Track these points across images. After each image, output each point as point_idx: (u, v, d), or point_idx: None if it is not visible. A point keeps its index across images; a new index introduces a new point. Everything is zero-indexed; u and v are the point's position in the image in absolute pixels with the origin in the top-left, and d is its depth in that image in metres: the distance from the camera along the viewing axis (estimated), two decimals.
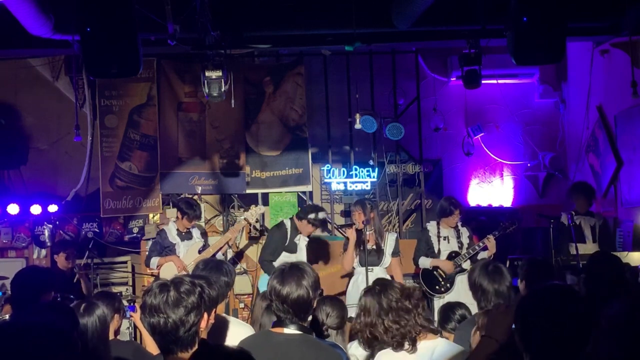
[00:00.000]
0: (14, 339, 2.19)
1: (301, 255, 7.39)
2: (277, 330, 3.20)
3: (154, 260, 7.56)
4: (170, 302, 2.63)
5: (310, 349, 3.13)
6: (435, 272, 7.35)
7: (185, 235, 7.68)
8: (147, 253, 7.88)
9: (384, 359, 3.54)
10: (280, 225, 7.65)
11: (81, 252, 8.31)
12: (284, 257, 7.30)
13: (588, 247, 7.75)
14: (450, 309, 4.99)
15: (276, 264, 7.26)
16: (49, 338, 2.23)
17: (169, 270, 7.30)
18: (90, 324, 3.47)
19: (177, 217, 7.69)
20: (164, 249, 7.60)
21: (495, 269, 4.18)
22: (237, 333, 3.84)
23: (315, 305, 3.25)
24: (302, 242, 7.49)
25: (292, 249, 7.43)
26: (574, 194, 8.30)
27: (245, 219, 7.79)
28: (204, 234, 8.01)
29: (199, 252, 7.53)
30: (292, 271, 3.21)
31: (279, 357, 3.10)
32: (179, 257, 7.50)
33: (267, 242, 7.72)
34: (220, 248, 7.63)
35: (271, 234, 7.75)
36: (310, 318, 3.27)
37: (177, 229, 7.66)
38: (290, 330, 3.16)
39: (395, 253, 7.15)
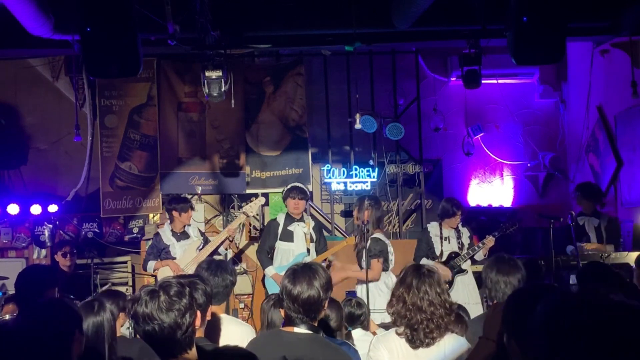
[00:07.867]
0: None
1: (299, 244, 7.18)
2: (288, 329, 3.24)
3: (151, 265, 7.47)
4: (162, 307, 2.61)
5: (319, 349, 3.16)
6: None
7: (181, 235, 7.54)
8: (144, 257, 7.76)
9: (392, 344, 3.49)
10: (275, 218, 7.56)
11: (80, 251, 8.29)
12: (283, 246, 7.23)
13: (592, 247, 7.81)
14: None
15: (276, 253, 7.25)
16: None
17: (165, 275, 7.16)
18: (101, 322, 3.49)
19: (173, 217, 7.52)
20: (161, 251, 7.49)
21: (508, 260, 4.20)
22: (235, 332, 3.85)
23: (326, 305, 3.27)
24: (298, 230, 7.23)
25: (288, 237, 7.24)
26: (578, 197, 8.23)
27: (244, 212, 7.67)
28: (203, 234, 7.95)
29: (198, 249, 7.40)
30: (304, 271, 3.23)
31: (288, 355, 3.12)
32: (174, 260, 7.37)
33: (261, 235, 7.67)
34: (221, 243, 7.53)
35: (265, 227, 7.64)
36: (320, 317, 3.28)
37: (172, 230, 7.53)
38: (301, 329, 3.20)
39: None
